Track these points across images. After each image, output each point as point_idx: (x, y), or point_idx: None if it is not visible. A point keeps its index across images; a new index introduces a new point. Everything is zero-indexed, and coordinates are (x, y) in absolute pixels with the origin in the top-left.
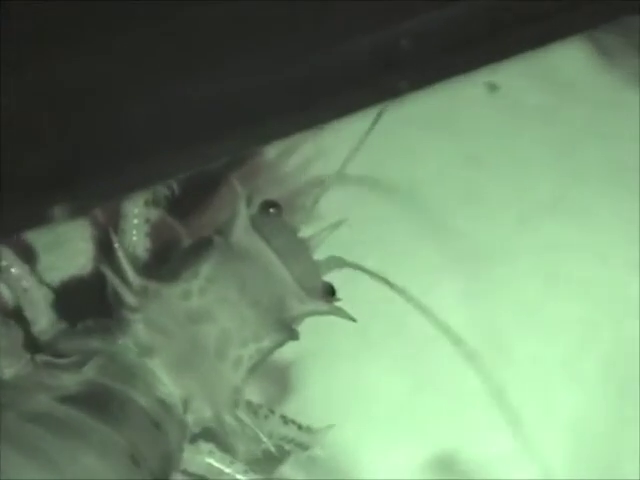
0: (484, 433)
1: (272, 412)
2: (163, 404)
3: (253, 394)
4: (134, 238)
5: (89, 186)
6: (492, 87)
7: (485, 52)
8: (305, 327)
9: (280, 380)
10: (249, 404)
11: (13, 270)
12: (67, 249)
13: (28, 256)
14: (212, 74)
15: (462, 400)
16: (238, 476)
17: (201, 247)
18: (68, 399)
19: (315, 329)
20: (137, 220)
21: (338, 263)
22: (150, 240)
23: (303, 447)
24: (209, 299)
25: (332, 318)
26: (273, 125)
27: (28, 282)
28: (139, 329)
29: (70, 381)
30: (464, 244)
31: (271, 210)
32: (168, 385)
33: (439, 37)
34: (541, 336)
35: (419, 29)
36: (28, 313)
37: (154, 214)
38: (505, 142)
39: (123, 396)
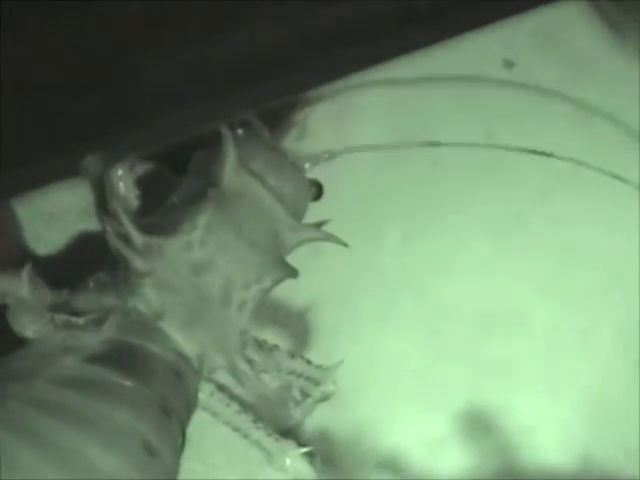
0: (504, 399)
1: (277, 347)
2: (181, 355)
3: None
4: (122, 190)
5: (121, 136)
6: (509, 64)
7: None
8: (332, 297)
9: (305, 350)
10: (254, 340)
11: None
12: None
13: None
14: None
15: (482, 368)
16: (231, 415)
17: (196, 197)
18: (94, 359)
19: (341, 299)
20: (122, 171)
21: (325, 156)
22: (138, 187)
23: (314, 382)
24: (209, 248)
25: (357, 287)
26: (298, 76)
27: None
28: (147, 292)
29: (92, 340)
30: (483, 216)
31: (247, 128)
32: (181, 343)
33: None
34: (557, 306)
35: None
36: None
37: (139, 165)
38: (522, 117)
39: (144, 351)
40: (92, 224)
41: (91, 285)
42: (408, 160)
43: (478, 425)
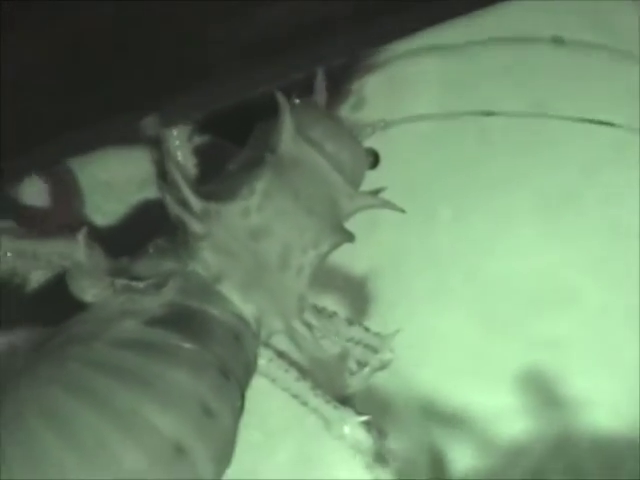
0: (553, 377)
1: (335, 314)
2: (240, 318)
3: None
4: (180, 159)
5: (174, 100)
6: (559, 41)
7: None
8: (387, 270)
9: (362, 319)
10: (313, 307)
11: None
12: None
13: None
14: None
15: (533, 345)
16: (290, 381)
17: (254, 164)
18: (154, 321)
19: (396, 272)
20: (178, 138)
21: (382, 125)
22: (195, 156)
23: (372, 349)
24: (267, 214)
25: (411, 262)
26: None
27: None
28: (206, 255)
29: (152, 303)
30: (533, 192)
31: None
32: (240, 306)
33: None
34: (606, 286)
35: None
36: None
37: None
38: (571, 93)
39: (204, 314)
40: (150, 193)
41: (151, 251)
42: (459, 131)
43: (533, 398)
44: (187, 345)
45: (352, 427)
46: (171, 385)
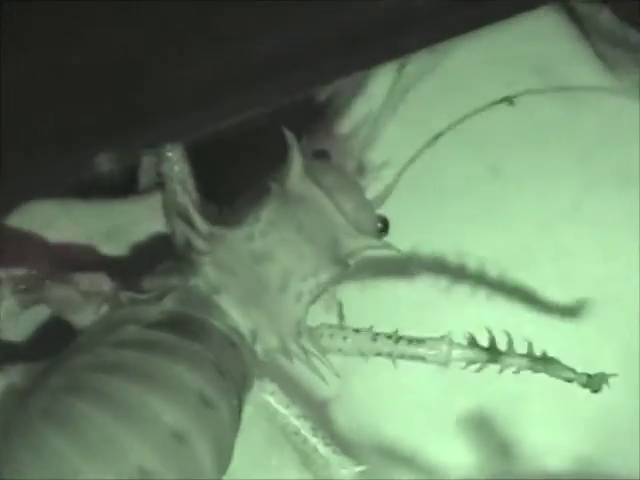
0: (510, 430)
1: (357, 330)
2: (236, 331)
3: None
4: (179, 174)
5: (134, 134)
6: (510, 100)
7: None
8: None
9: None
10: (309, 329)
11: None
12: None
13: None
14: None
15: (490, 400)
16: (292, 419)
17: (260, 194)
18: (154, 325)
19: None
20: (178, 167)
21: (389, 191)
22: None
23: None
24: (270, 240)
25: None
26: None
27: None
28: (208, 270)
29: (152, 312)
30: (486, 251)
31: (321, 158)
32: (237, 319)
33: None
34: (562, 338)
35: None
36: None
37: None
38: (524, 153)
39: (202, 321)
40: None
41: (158, 270)
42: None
43: (489, 449)
44: (185, 343)
45: (350, 474)
46: (171, 377)
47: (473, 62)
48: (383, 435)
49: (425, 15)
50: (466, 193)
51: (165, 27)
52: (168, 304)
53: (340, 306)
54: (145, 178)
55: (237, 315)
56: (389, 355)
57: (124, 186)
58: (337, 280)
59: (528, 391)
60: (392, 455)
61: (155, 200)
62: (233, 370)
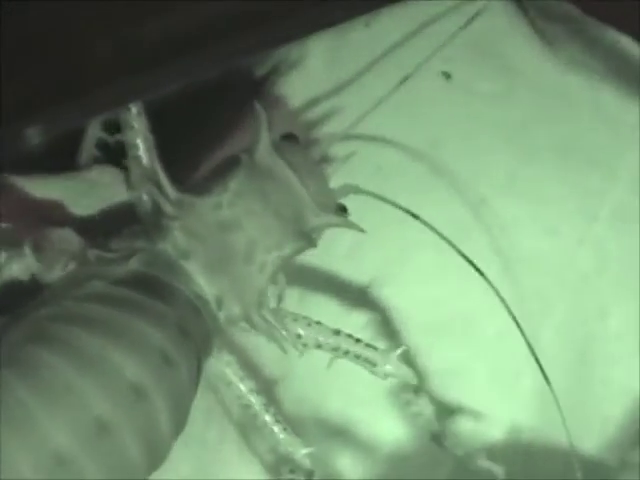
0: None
1: (319, 323)
2: (201, 296)
3: None
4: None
5: (64, 106)
6: (447, 75)
7: None
8: None
9: None
10: (274, 310)
11: None
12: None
13: None
14: None
15: (429, 374)
16: (244, 391)
17: (230, 165)
18: (119, 282)
19: None
20: (140, 128)
21: (353, 189)
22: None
23: (369, 362)
24: (237, 210)
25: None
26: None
27: None
28: (176, 235)
29: (119, 270)
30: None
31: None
32: (202, 285)
33: None
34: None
35: None
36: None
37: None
38: (461, 127)
39: (167, 283)
40: None
41: (125, 232)
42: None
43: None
44: (149, 301)
45: (298, 454)
46: (134, 333)
47: (408, 35)
48: (325, 412)
49: None
50: (404, 167)
51: None
52: (134, 264)
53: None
54: (85, 153)
55: (203, 281)
56: (345, 353)
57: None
58: (299, 252)
59: (466, 362)
60: (333, 431)
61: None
62: (195, 333)
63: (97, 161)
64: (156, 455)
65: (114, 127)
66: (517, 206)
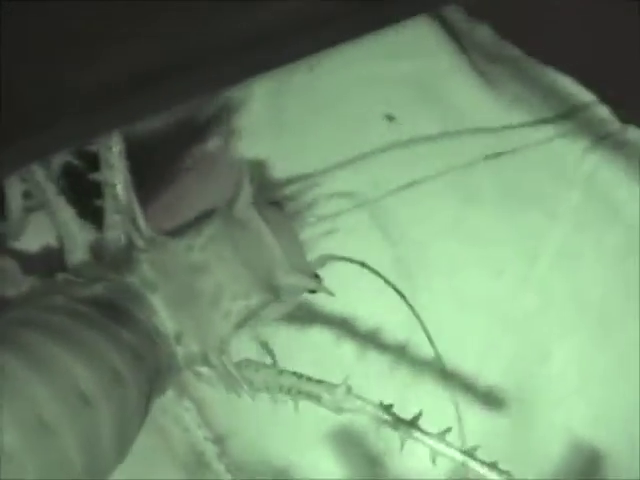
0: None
1: (264, 364)
2: (159, 331)
3: None
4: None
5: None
6: (390, 118)
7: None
8: None
9: None
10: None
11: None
12: None
13: None
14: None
15: None
16: (200, 439)
17: (207, 214)
18: (80, 300)
19: None
20: (120, 172)
21: (330, 258)
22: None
23: (314, 397)
24: (208, 255)
25: None
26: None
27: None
28: (144, 268)
29: (83, 292)
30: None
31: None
32: (164, 318)
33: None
34: (450, 350)
35: None
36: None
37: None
38: (406, 170)
39: (127, 311)
40: None
41: (94, 261)
42: None
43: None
44: (107, 321)
45: None
46: (90, 346)
47: (351, 78)
48: (270, 458)
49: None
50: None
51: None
52: (99, 289)
53: (267, 345)
54: (14, 203)
55: (165, 314)
56: (289, 391)
57: None
58: (266, 305)
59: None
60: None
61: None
62: (149, 363)
63: (28, 210)
64: (95, 467)
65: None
66: (462, 248)
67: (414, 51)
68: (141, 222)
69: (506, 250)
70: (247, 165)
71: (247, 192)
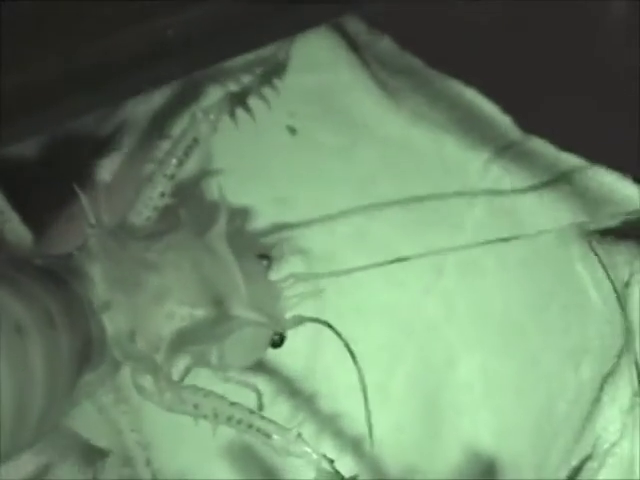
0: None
1: (212, 392)
2: (90, 302)
3: None
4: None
5: None
6: (292, 130)
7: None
8: None
9: None
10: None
11: None
12: None
13: None
14: None
15: None
16: (132, 443)
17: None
18: (23, 262)
19: None
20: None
21: (301, 320)
22: None
23: (264, 433)
24: (163, 259)
25: None
26: None
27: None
28: (92, 242)
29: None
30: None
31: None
32: (98, 288)
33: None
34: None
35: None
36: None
37: None
38: (308, 183)
39: (64, 278)
40: None
41: None
42: None
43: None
44: (46, 279)
45: None
46: (29, 291)
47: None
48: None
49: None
50: (250, 225)
51: None
52: (38, 262)
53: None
54: None
55: (101, 288)
56: (238, 423)
57: None
58: (212, 323)
59: None
60: None
61: None
62: (81, 325)
63: None
64: (23, 399)
65: None
66: (366, 260)
67: (315, 64)
68: (105, 215)
69: (409, 262)
70: (225, 201)
71: (222, 225)
